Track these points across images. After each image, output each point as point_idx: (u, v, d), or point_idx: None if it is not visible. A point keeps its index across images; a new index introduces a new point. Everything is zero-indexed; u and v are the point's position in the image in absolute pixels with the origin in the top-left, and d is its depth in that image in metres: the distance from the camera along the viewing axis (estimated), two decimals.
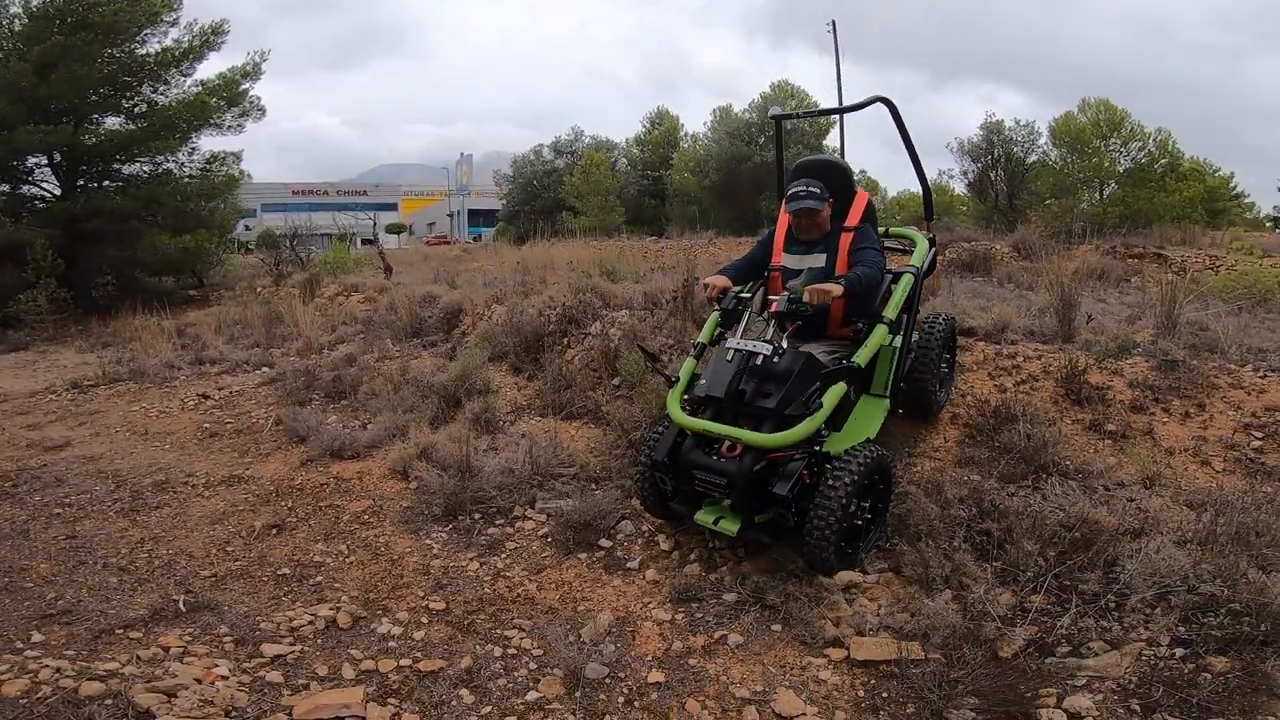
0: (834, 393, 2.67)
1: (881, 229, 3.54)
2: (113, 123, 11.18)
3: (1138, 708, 1.99)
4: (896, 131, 3.51)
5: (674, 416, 2.89)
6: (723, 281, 3.10)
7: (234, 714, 2.06)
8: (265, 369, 7.27)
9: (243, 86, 12.22)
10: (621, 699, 2.24)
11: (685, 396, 3.00)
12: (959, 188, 21.60)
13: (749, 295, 3.18)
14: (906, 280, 3.22)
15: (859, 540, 2.75)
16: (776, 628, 2.48)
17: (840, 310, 3.07)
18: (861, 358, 2.83)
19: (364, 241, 25.85)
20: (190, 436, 5.37)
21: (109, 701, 2.05)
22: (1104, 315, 5.01)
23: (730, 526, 2.72)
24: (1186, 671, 2.07)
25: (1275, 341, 4.21)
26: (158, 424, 5.68)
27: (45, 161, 10.74)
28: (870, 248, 3.07)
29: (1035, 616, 2.32)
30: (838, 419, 2.84)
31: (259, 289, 11.93)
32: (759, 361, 2.74)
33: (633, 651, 2.47)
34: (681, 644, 2.44)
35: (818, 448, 2.69)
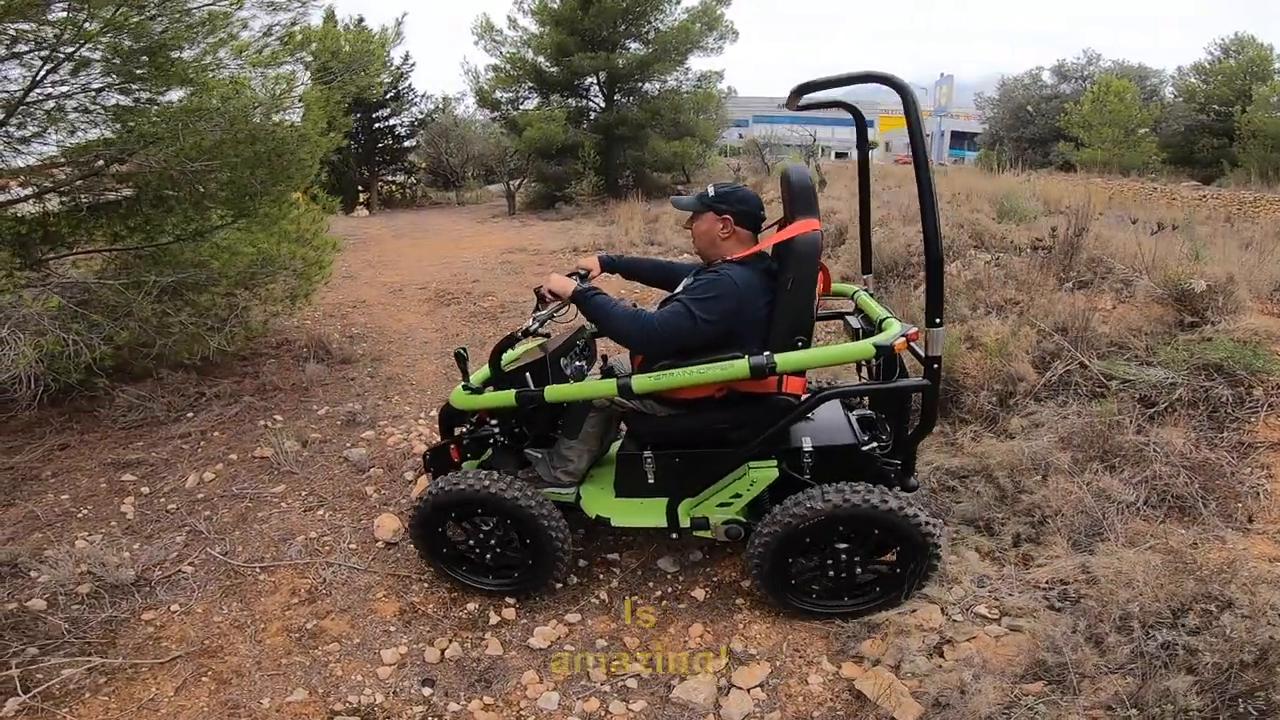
0: (502, 396, 2.33)
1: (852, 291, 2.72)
2: (635, 48, 14.11)
3: None
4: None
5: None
6: (589, 262, 2.66)
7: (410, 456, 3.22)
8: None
9: (718, 12, 13.67)
10: (658, 593, 2.51)
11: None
12: None
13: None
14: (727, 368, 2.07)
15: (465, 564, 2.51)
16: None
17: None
18: (553, 391, 2.27)
19: (837, 155, 26.63)
20: None
21: (402, 447, 3.43)
22: None
23: None
24: None
25: None
26: None
27: (594, 81, 14.44)
28: (690, 300, 2.12)
29: None
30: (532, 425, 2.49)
31: None
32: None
33: (722, 563, 2.64)
34: (749, 583, 2.45)
35: (466, 429, 2.60)
